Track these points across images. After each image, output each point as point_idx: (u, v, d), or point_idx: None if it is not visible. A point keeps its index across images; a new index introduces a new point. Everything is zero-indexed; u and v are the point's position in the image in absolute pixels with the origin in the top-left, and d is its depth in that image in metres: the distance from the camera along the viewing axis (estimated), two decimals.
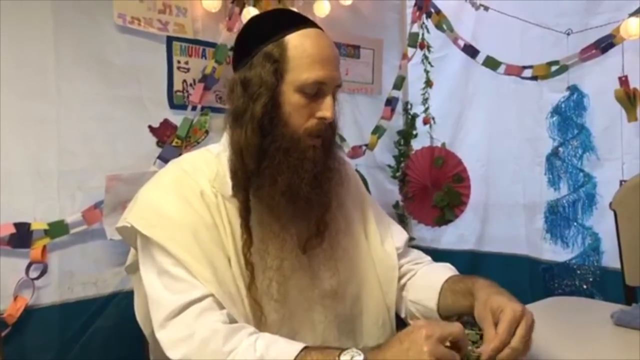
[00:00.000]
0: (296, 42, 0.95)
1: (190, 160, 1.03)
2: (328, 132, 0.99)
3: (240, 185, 0.95)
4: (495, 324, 0.86)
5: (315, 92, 0.95)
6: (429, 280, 1.10)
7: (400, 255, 1.15)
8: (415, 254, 1.20)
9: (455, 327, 0.80)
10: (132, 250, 1.07)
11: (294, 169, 0.94)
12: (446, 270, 1.12)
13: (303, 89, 0.94)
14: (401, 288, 1.14)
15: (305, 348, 0.83)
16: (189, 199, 0.95)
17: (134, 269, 1.03)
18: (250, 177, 0.95)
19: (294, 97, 0.94)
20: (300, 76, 0.94)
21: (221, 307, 0.89)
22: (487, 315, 0.88)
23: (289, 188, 0.94)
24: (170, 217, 0.93)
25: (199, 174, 0.99)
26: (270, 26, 0.98)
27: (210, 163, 1.01)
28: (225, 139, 1.02)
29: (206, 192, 0.96)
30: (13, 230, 1.67)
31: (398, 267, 1.13)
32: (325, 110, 0.96)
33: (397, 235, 1.18)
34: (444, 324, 0.82)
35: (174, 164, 1.04)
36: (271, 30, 0.97)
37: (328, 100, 0.96)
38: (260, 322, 0.94)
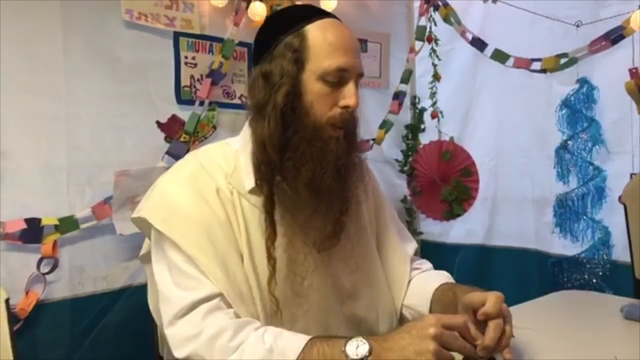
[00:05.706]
0: (316, 31, 0.95)
1: (208, 154, 1.02)
2: (350, 123, 0.97)
3: (265, 179, 0.94)
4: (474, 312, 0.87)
5: (338, 80, 0.94)
6: (422, 287, 1.11)
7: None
8: (417, 260, 1.20)
9: (459, 319, 0.83)
10: (147, 240, 1.07)
11: (317, 160, 0.93)
12: (440, 277, 1.12)
13: (325, 77, 0.93)
14: None
15: (311, 339, 0.83)
16: (204, 196, 0.94)
17: (148, 258, 1.04)
18: (274, 170, 0.94)
19: (316, 85, 0.94)
20: (321, 63, 0.93)
21: (229, 306, 0.89)
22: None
23: (312, 179, 0.93)
24: (184, 214, 0.93)
25: (216, 169, 0.98)
26: (290, 19, 0.98)
27: (228, 158, 1.00)
28: (244, 133, 1.02)
29: (222, 189, 0.96)
30: (24, 225, 1.69)
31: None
32: (348, 97, 0.95)
33: (409, 243, 1.19)
34: (450, 315, 0.84)
35: (192, 157, 1.04)
36: (290, 22, 0.97)
37: (351, 87, 0.95)
38: (275, 318, 0.94)
